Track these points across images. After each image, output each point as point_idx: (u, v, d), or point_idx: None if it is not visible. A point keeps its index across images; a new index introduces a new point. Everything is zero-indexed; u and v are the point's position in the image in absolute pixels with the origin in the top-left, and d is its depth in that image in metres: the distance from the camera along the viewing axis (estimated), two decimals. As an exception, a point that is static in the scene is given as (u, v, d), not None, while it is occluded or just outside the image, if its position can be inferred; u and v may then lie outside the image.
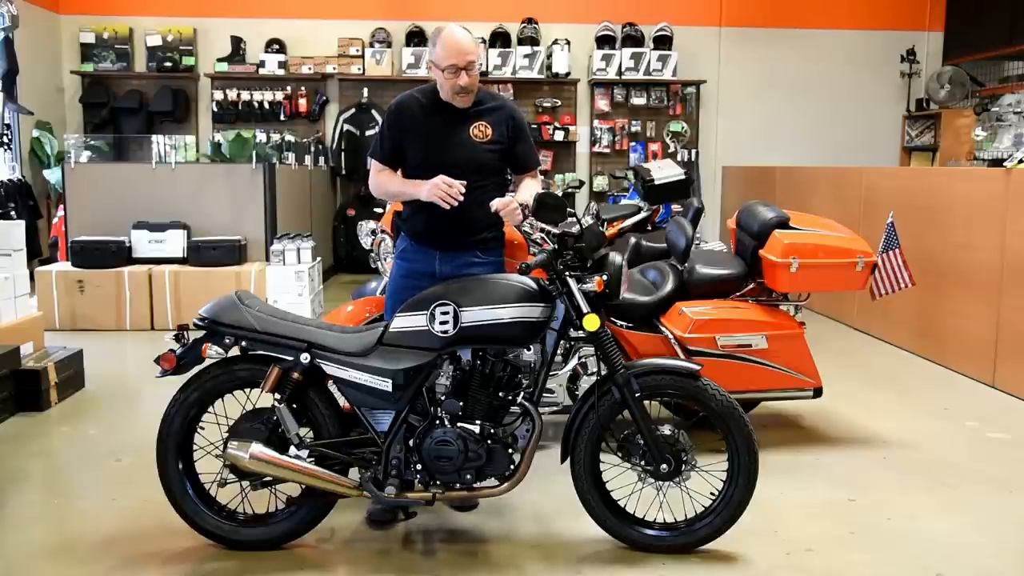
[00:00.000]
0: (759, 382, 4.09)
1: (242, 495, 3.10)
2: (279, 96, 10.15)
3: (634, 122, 10.46)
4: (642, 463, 3.04)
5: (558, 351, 3.26)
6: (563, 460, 3.08)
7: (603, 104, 10.39)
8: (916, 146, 10.41)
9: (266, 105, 10.11)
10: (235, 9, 10.25)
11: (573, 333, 3.11)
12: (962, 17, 10.25)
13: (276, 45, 10.19)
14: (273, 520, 3.10)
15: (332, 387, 3.07)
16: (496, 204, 3.10)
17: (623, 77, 10.22)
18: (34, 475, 3.90)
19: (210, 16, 10.21)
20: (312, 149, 9.54)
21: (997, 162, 7.36)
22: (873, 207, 6.64)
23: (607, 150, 10.47)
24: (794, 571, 2.99)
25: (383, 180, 3.33)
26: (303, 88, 10.21)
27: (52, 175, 8.90)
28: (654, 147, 10.44)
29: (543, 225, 3.31)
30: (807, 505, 3.55)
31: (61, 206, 7.71)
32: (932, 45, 10.63)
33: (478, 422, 2.98)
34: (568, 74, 10.22)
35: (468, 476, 2.98)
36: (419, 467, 3.00)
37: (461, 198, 3.05)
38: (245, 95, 10.11)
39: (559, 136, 10.25)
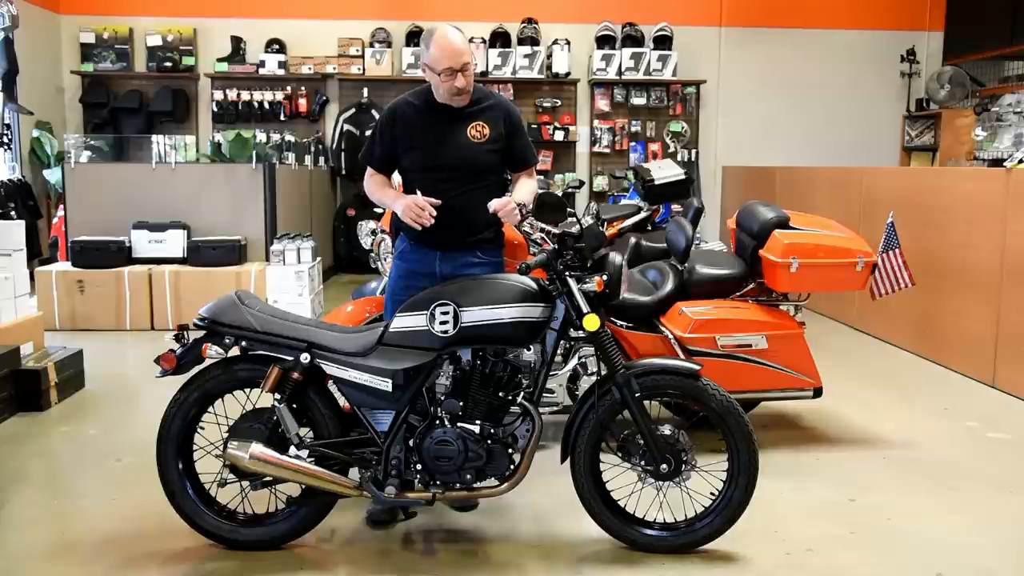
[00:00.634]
0: (759, 382, 4.09)
1: (242, 495, 3.10)
2: (279, 96, 10.15)
3: (634, 122, 10.46)
4: (642, 463, 3.04)
5: (558, 351, 3.26)
6: (563, 460, 3.08)
7: (603, 104, 10.39)
8: (916, 146, 10.41)
9: (266, 105, 10.11)
10: (235, 9, 10.25)
11: (573, 333, 3.11)
12: (962, 17, 10.25)
13: (276, 45, 10.19)
14: (273, 520, 3.10)
15: (332, 387, 3.07)
16: (494, 205, 3.10)
17: (623, 77, 10.22)
18: (34, 475, 3.90)
19: (210, 16, 10.21)
20: (312, 149, 9.54)
21: (997, 162, 7.37)
22: (873, 207, 6.64)
23: (607, 150, 10.47)
24: (794, 571, 2.99)
25: (372, 186, 3.35)
26: (303, 88, 10.21)
27: (52, 175, 8.90)
28: (654, 147, 10.44)
29: (543, 225, 3.32)
30: (807, 505, 3.55)
31: (61, 206, 7.71)
32: (932, 45, 10.63)
33: (478, 422, 2.98)
34: (568, 74, 10.22)
35: (468, 476, 2.98)
36: (419, 467, 3.00)
37: (431, 221, 3.05)
38: (245, 95, 10.11)
39: (559, 136, 10.25)
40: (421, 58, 3.20)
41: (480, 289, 2.97)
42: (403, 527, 3.30)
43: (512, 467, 3.01)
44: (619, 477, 3.08)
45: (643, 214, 5.50)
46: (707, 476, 3.06)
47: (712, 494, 3.09)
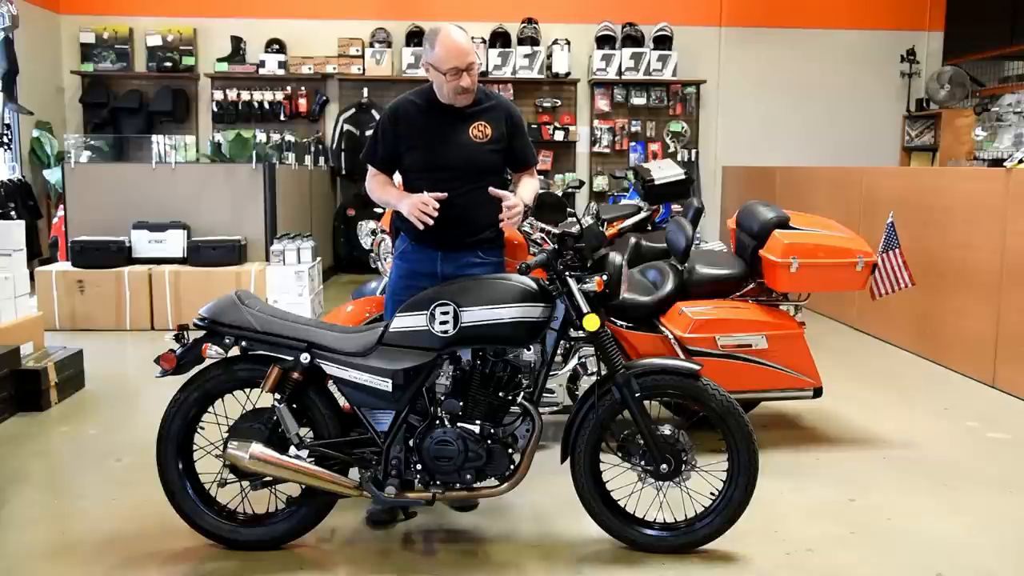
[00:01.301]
0: (759, 382, 4.09)
1: (242, 495, 3.10)
2: (279, 96, 10.14)
3: (634, 122, 10.46)
4: (642, 463, 3.04)
5: (558, 351, 3.26)
6: (563, 460, 3.08)
7: (603, 104, 10.39)
8: (916, 146, 10.41)
9: (266, 105, 10.11)
10: (235, 9, 10.25)
11: (573, 333, 3.11)
12: (962, 17, 10.25)
13: (276, 45, 10.19)
14: (273, 520, 3.10)
15: (332, 387, 3.07)
16: (504, 201, 3.07)
17: (623, 77, 10.22)
18: (34, 475, 3.90)
19: (210, 16, 10.21)
20: (312, 149, 9.54)
21: (997, 162, 7.36)
22: (873, 207, 6.64)
23: (607, 150, 10.47)
24: (794, 571, 2.99)
25: (374, 185, 3.33)
26: (303, 88, 10.21)
27: (52, 175, 8.90)
28: (654, 147, 10.44)
29: (543, 225, 3.32)
30: (807, 505, 3.55)
31: (61, 206, 7.71)
32: (932, 45, 10.63)
33: (478, 422, 2.98)
34: (568, 74, 10.22)
35: (468, 476, 2.98)
36: (419, 467, 3.00)
37: (435, 214, 3.04)
38: (245, 95, 10.11)
39: (559, 136, 10.25)
40: (424, 57, 3.19)
41: (480, 289, 2.97)
42: (403, 527, 3.30)
43: (512, 467, 3.01)
44: (619, 477, 3.08)
45: (643, 214, 5.50)
46: (707, 476, 3.06)
47: (712, 494, 3.09)
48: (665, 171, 5.68)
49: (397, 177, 3.45)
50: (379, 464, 3.00)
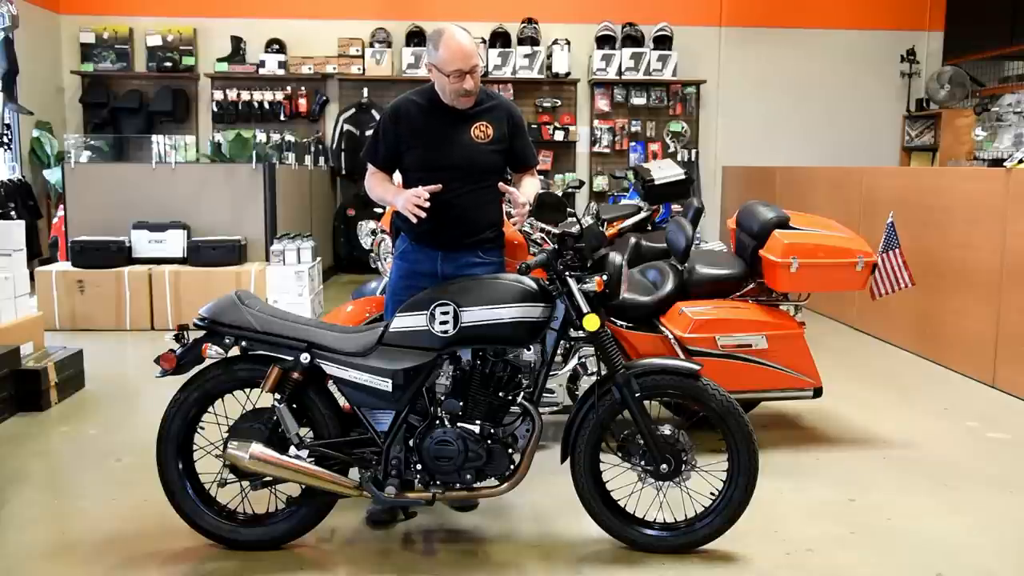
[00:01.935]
0: (759, 382, 4.09)
1: (242, 495, 3.10)
2: (279, 96, 10.14)
3: (634, 122, 10.46)
4: (642, 463, 3.04)
5: (558, 351, 3.26)
6: (563, 460, 3.08)
7: (603, 104, 10.39)
8: (916, 146, 10.41)
9: (266, 105, 10.11)
10: (235, 9, 10.25)
11: (573, 333, 3.11)
12: (962, 17, 10.25)
13: (276, 45, 10.19)
14: (273, 520, 3.10)
15: (332, 387, 3.07)
16: (515, 198, 3.08)
17: (623, 77, 10.22)
18: (34, 475, 3.90)
19: (210, 16, 10.21)
20: (312, 149, 9.54)
21: (997, 162, 7.36)
22: (873, 207, 6.64)
23: (607, 150, 10.47)
24: (794, 571, 2.99)
25: (373, 183, 3.32)
26: (303, 88, 10.21)
27: (52, 175, 8.90)
28: (654, 147, 10.44)
29: (543, 225, 3.32)
30: (807, 505, 3.55)
31: (61, 206, 7.71)
32: (932, 45, 10.63)
33: (478, 422, 2.98)
34: (568, 74, 10.22)
35: (468, 476, 2.98)
36: (419, 467, 3.00)
37: (427, 205, 3.03)
38: (245, 95, 10.11)
39: (559, 136, 10.25)
40: (427, 58, 3.19)
41: (480, 289, 2.97)
42: (403, 527, 3.30)
43: (512, 467, 3.01)
44: (619, 477, 3.08)
45: (643, 214, 5.50)
46: (707, 476, 3.06)
47: (712, 494, 3.09)
48: (665, 171, 5.68)
49: (397, 177, 3.45)
50: (379, 464, 3.00)
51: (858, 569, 3.00)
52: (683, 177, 5.66)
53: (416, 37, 9.99)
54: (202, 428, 3.11)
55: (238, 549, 3.07)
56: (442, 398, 3.00)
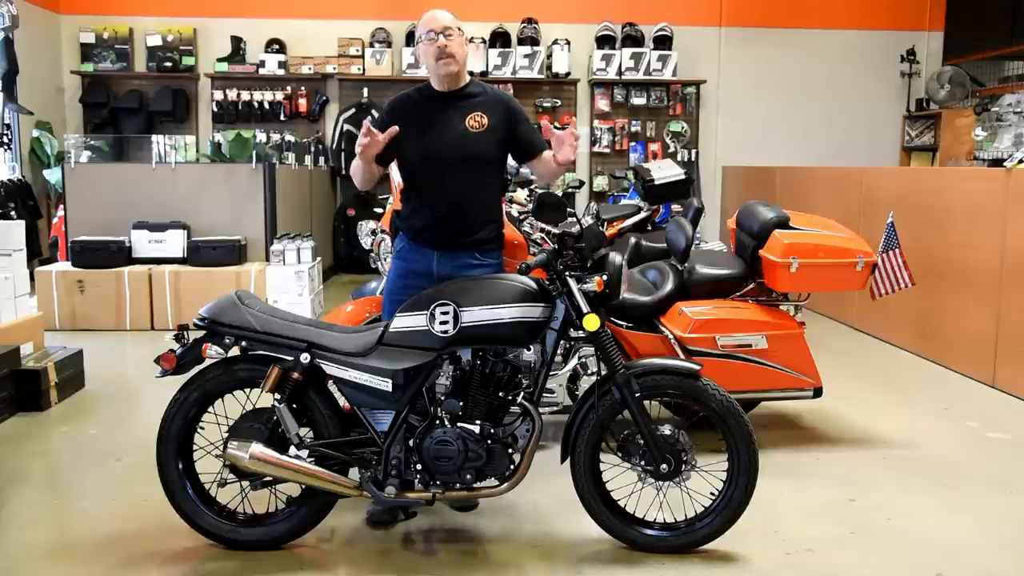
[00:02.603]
0: (759, 382, 4.09)
1: (242, 495, 3.10)
2: (279, 96, 10.14)
3: (634, 122, 10.46)
4: (642, 463, 3.04)
5: (558, 351, 3.26)
6: (563, 460, 3.08)
7: (603, 104, 10.39)
8: (916, 146, 10.41)
9: (266, 105, 10.11)
10: (235, 9, 10.25)
11: (573, 333, 3.11)
12: (962, 17, 10.25)
13: (276, 45, 10.19)
14: (273, 520, 3.10)
15: (332, 387, 3.07)
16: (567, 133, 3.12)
17: (623, 77, 10.22)
18: (34, 475, 3.90)
19: (210, 16, 10.21)
20: (312, 149, 9.54)
21: (997, 162, 7.36)
22: (873, 207, 6.64)
23: (607, 150, 10.47)
24: (794, 571, 2.99)
25: (354, 168, 3.29)
26: (303, 88, 10.21)
27: (52, 175, 8.90)
28: (654, 147, 10.44)
29: (543, 225, 3.32)
30: (807, 505, 3.55)
31: (61, 206, 7.71)
32: (932, 45, 10.63)
33: (478, 422, 2.98)
34: (568, 74, 10.22)
35: (468, 476, 2.98)
36: (419, 467, 3.00)
37: (380, 139, 3.06)
38: (245, 95, 10.10)
39: (559, 136, 10.23)
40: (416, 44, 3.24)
41: (480, 289, 2.97)
42: (403, 527, 3.30)
43: (512, 467, 3.01)
44: (619, 477, 3.08)
45: (643, 214, 5.50)
46: (707, 476, 3.06)
47: (712, 494, 3.09)
48: (665, 171, 5.68)
49: (396, 177, 3.45)
50: (379, 464, 3.00)
51: (858, 569, 3.00)
52: (683, 177, 5.66)
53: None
54: (202, 428, 3.11)
55: (238, 549, 3.07)
56: (442, 398, 3.00)
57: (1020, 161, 5.53)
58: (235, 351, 3.02)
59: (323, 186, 10.02)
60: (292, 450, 2.98)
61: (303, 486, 3.06)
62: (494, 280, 3.02)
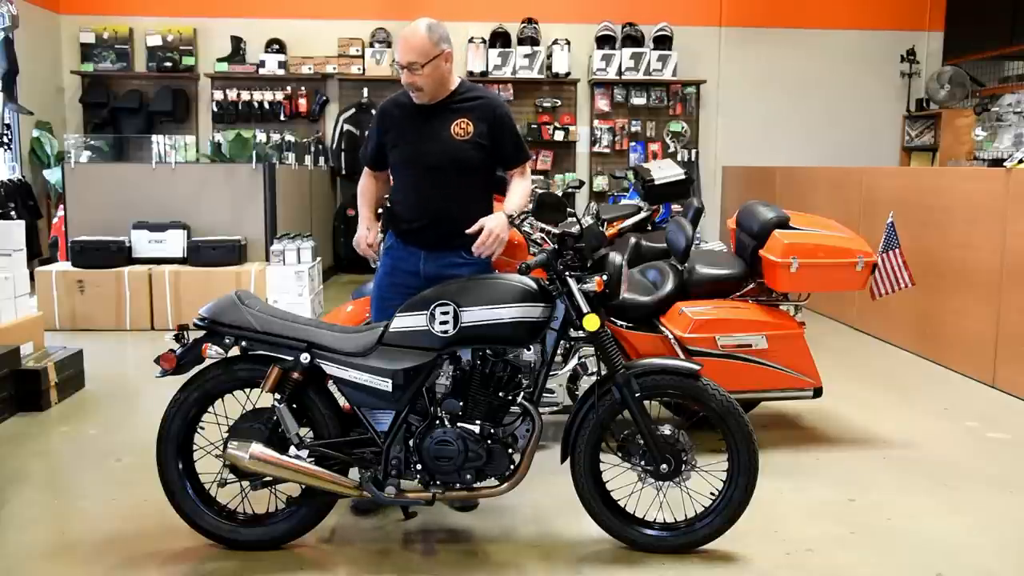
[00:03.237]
0: (759, 382, 4.09)
1: (242, 495, 3.10)
2: (279, 96, 10.14)
3: (634, 122, 10.46)
4: (642, 463, 3.04)
5: (558, 351, 3.26)
6: (563, 460, 3.08)
7: (603, 104, 10.39)
8: (916, 146, 10.41)
9: (266, 105, 10.11)
10: (235, 9, 10.25)
11: (573, 333, 3.11)
12: (962, 17, 10.25)
13: (276, 45, 10.19)
14: (273, 520, 3.10)
15: (332, 387, 3.07)
16: (478, 230, 3.07)
17: (623, 77, 10.22)
18: (34, 475, 3.90)
19: (210, 16, 10.21)
20: (312, 149, 9.54)
21: (997, 162, 7.36)
22: (873, 207, 6.64)
23: (607, 150, 10.47)
24: (794, 571, 2.99)
25: (360, 191, 3.48)
26: (303, 88, 10.21)
27: (52, 175, 8.90)
28: (654, 147, 10.44)
29: (543, 225, 3.32)
30: (807, 505, 3.55)
31: (61, 206, 7.71)
32: (932, 45, 10.63)
33: (478, 422, 2.98)
34: (568, 74, 10.22)
35: (468, 476, 2.98)
36: (419, 467, 3.00)
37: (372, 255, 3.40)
38: (245, 95, 10.11)
39: (559, 136, 10.25)
40: None
41: (480, 289, 2.97)
42: (403, 527, 3.30)
43: (512, 467, 3.01)
44: (619, 477, 3.08)
45: (643, 214, 5.50)
46: (707, 476, 3.06)
47: (712, 494, 3.09)
48: (665, 171, 5.68)
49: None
50: (379, 464, 3.00)
51: (858, 569, 3.00)
52: (683, 177, 5.65)
53: (416, 37, 9.97)
54: (202, 428, 3.11)
55: (238, 549, 3.07)
56: (442, 398, 3.00)
57: (1020, 161, 5.53)
58: (235, 351, 3.02)
59: (323, 186, 10.02)
60: (292, 450, 2.98)
61: (303, 486, 3.05)
62: (494, 280, 3.02)
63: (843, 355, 6.20)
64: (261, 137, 8.26)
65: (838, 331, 7.07)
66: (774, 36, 10.54)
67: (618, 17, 10.30)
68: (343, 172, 10.24)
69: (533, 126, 10.21)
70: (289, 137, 8.88)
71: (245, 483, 3.05)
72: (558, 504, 3.42)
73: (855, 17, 10.56)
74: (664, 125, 10.45)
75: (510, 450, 3.01)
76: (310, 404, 3.04)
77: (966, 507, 3.54)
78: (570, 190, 7.06)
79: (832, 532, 3.29)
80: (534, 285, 2.98)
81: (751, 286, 4.24)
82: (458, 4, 10.10)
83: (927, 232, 5.93)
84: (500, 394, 3.00)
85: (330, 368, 2.98)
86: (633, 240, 4.96)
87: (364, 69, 10.13)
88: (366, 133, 9.86)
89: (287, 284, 6.90)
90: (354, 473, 3.05)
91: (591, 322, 2.95)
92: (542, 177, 9.45)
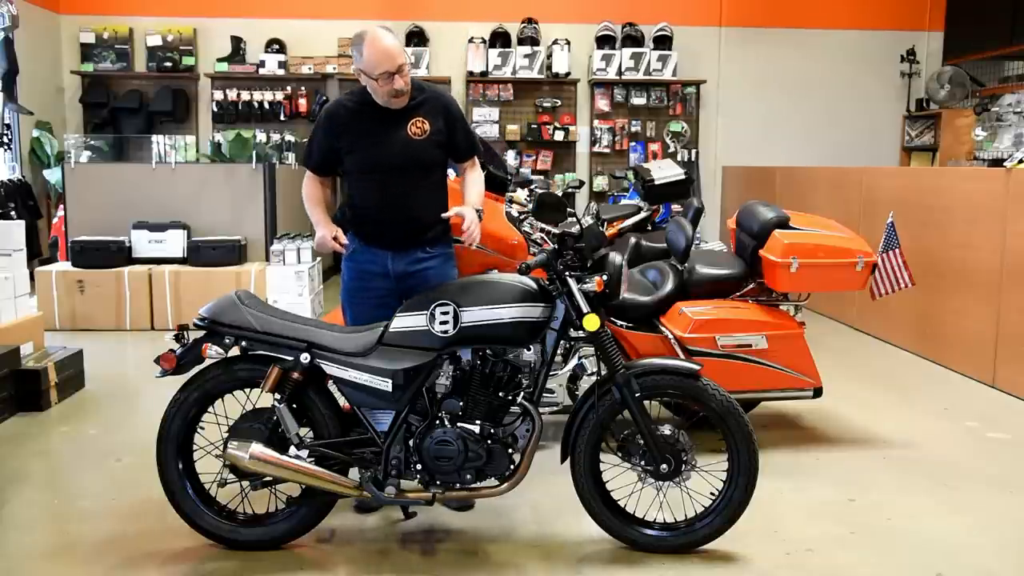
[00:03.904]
0: (759, 382, 4.09)
1: (242, 495, 3.10)
2: (279, 96, 10.14)
3: (634, 122, 10.46)
4: (642, 463, 3.04)
5: (558, 351, 3.26)
6: (563, 460, 3.08)
7: (603, 104, 10.39)
8: (916, 146, 10.41)
9: (266, 105, 10.10)
10: (235, 9, 10.25)
11: (573, 333, 3.11)
12: (962, 17, 10.25)
13: (276, 45, 10.18)
14: (273, 520, 3.10)
15: (332, 387, 3.07)
16: (456, 220, 3.12)
17: (623, 77, 10.21)
18: (34, 475, 3.90)
19: (210, 16, 10.20)
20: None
21: (997, 162, 7.36)
22: (873, 207, 6.64)
23: (607, 150, 10.46)
24: (794, 571, 2.99)
25: (307, 194, 3.36)
26: (303, 88, 10.21)
27: (52, 175, 8.90)
28: (654, 147, 10.43)
29: (543, 225, 3.32)
30: (807, 505, 3.55)
31: (61, 206, 7.71)
32: (932, 45, 10.63)
33: (478, 422, 2.98)
34: (568, 74, 10.22)
35: (468, 476, 2.98)
36: (419, 467, 3.00)
37: (343, 252, 3.21)
38: (245, 95, 10.10)
39: (559, 136, 10.25)
40: (354, 64, 3.21)
41: (480, 289, 2.98)
42: (403, 527, 3.30)
43: (512, 467, 3.01)
44: (619, 477, 3.08)
45: (643, 214, 5.50)
46: (707, 476, 3.06)
47: (712, 494, 3.09)
48: (665, 171, 5.68)
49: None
50: (379, 464, 3.00)
51: (858, 569, 3.00)
52: (683, 177, 5.66)
53: (416, 37, 9.98)
54: (202, 428, 3.11)
55: (238, 549, 3.07)
56: (442, 398, 3.00)
57: (1020, 161, 5.53)
58: (235, 351, 3.02)
59: (323, 186, 10.00)
60: (292, 450, 2.98)
61: (303, 486, 3.06)
62: (494, 280, 3.02)
63: (843, 355, 6.20)
64: (261, 137, 8.26)
65: (838, 331, 7.07)
66: (774, 36, 10.54)
67: (618, 17, 10.30)
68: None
69: (533, 126, 10.21)
70: (289, 137, 8.88)
71: (245, 483, 3.05)
72: (558, 504, 3.42)
73: (855, 17, 10.55)
74: (664, 125, 10.45)
75: (510, 450, 3.01)
76: (310, 404, 3.04)
77: (966, 507, 3.54)
78: (570, 190, 7.05)
79: (832, 532, 3.29)
80: (534, 285, 2.98)
81: (751, 286, 4.24)
82: (458, 4, 10.10)
83: (927, 232, 5.93)
84: (500, 394, 3.00)
85: (330, 368, 2.98)
86: (633, 240, 4.96)
87: (364, 69, 10.11)
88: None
89: (287, 284, 6.90)
90: (354, 473, 3.05)
91: (591, 322, 2.95)
92: (542, 177, 9.44)
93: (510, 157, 10.04)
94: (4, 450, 4.15)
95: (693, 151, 10.44)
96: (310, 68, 10.09)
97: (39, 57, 9.55)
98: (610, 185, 10.29)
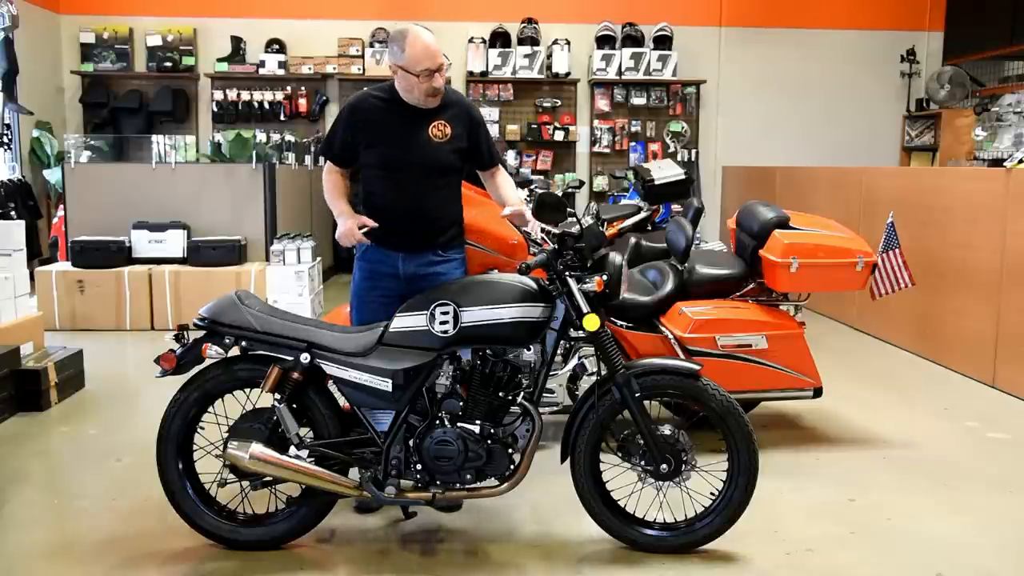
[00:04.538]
0: (759, 382, 4.09)
1: (242, 495, 3.10)
2: (279, 96, 10.14)
3: (634, 122, 10.46)
4: (642, 463, 3.04)
5: (558, 351, 3.26)
6: (563, 460, 3.08)
7: (603, 104, 10.39)
8: (916, 146, 10.41)
9: (266, 105, 10.11)
10: (235, 9, 10.25)
11: (573, 333, 3.11)
12: (962, 17, 10.25)
13: (276, 45, 10.19)
14: (273, 520, 3.10)
15: (332, 387, 3.07)
16: (509, 214, 3.21)
17: (623, 77, 10.22)
18: (34, 475, 3.90)
19: (210, 16, 10.21)
20: (312, 149, 9.54)
21: (997, 162, 7.36)
22: (873, 207, 6.64)
23: (607, 150, 10.46)
24: (794, 571, 2.99)
25: (329, 186, 3.35)
26: (303, 88, 10.21)
27: (52, 175, 8.90)
28: (654, 147, 10.44)
29: (543, 225, 3.32)
30: (807, 505, 3.55)
31: (61, 206, 7.71)
32: (932, 45, 10.63)
33: (478, 422, 2.98)
34: (568, 74, 10.22)
35: (468, 476, 2.99)
36: (419, 467, 3.00)
37: (365, 241, 3.18)
38: (245, 95, 10.10)
39: (559, 136, 10.25)
40: (391, 59, 3.19)
41: (480, 289, 2.98)
42: (403, 527, 3.30)
43: (512, 467, 3.01)
44: (619, 477, 3.08)
45: (643, 214, 5.50)
46: (707, 476, 3.06)
47: (712, 494, 3.09)
48: (665, 171, 5.68)
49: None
50: (379, 464, 3.00)
51: (858, 569, 3.00)
52: (683, 177, 5.66)
53: (416, 37, 9.96)
54: (202, 428, 3.11)
55: (238, 549, 3.07)
56: (442, 398, 3.00)
57: (1020, 161, 5.53)
58: (235, 351, 3.02)
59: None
60: (292, 450, 2.98)
61: (303, 486, 3.06)
62: (494, 280, 3.02)
63: (843, 355, 6.20)
64: (261, 137, 8.26)
65: (838, 331, 7.07)
66: (774, 36, 10.54)
67: (618, 17, 10.30)
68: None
69: (533, 126, 10.21)
70: (289, 137, 8.88)
71: (245, 483, 3.05)
72: (558, 504, 3.42)
73: (855, 17, 10.55)
74: (664, 125, 10.45)
75: (510, 450, 3.01)
76: (310, 404, 3.04)
77: (966, 507, 3.54)
78: (570, 190, 7.07)
79: (832, 532, 3.29)
80: (534, 285, 2.98)
81: (751, 286, 4.24)
82: (458, 4, 10.10)
83: (927, 232, 5.93)
84: (500, 394, 3.00)
85: (330, 368, 2.98)
86: (633, 240, 4.96)
87: (364, 69, 10.13)
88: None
89: (287, 284, 6.90)
90: (354, 473, 3.05)
91: (591, 322, 2.95)
92: (542, 177, 9.45)
93: (510, 157, 10.05)
94: (4, 450, 4.15)
95: (693, 151, 10.44)
96: (310, 68, 10.09)
97: (39, 57, 9.55)
98: (610, 185, 10.29)
